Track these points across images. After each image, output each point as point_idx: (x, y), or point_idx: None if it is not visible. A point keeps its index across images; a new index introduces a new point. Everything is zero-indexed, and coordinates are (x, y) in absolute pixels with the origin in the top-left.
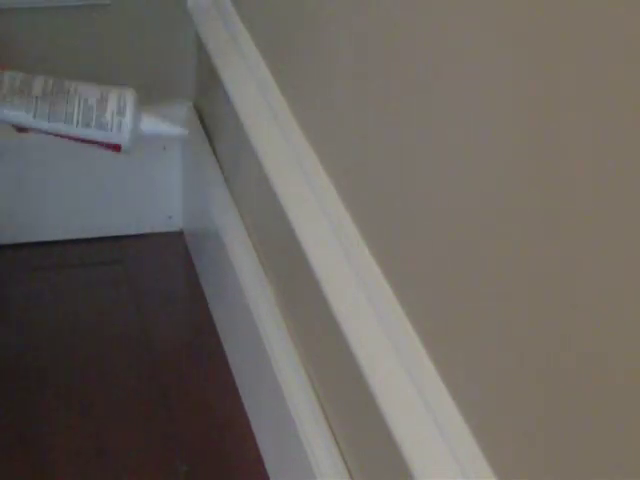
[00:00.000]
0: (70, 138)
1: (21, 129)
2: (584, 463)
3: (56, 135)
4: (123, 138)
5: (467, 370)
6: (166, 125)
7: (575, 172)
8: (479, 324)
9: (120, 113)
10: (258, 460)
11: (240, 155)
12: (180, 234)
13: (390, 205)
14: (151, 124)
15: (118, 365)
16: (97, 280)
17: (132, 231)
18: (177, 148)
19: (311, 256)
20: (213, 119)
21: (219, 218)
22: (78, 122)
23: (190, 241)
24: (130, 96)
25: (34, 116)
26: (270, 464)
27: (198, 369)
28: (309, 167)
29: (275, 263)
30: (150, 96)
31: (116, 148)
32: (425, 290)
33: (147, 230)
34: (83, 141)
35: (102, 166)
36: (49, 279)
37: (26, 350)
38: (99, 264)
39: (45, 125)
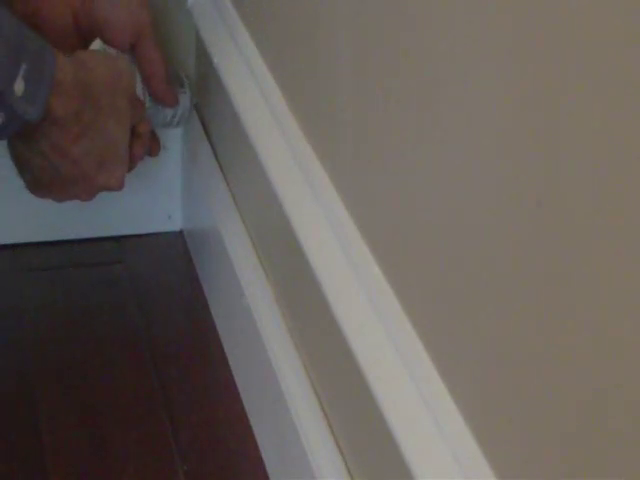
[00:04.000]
0: None
1: None
2: (585, 463)
3: None
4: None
5: (467, 370)
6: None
7: (578, 181)
8: (480, 324)
9: (180, 122)
10: (258, 460)
11: (240, 155)
12: (180, 234)
13: (391, 205)
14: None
15: (118, 365)
16: (97, 280)
17: (132, 231)
18: (177, 148)
19: (311, 256)
20: (213, 119)
21: (219, 218)
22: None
23: (190, 241)
24: (187, 106)
25: None
26: (270, 464)
27: (198, 369)
28: (309, 167)
29: (275, 263)
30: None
31: None
32: (426, 290)
33: (147, 230)
34: None
35: None
36: (49, 279)
37: (26, 350)
38: (99, 264)
39: None
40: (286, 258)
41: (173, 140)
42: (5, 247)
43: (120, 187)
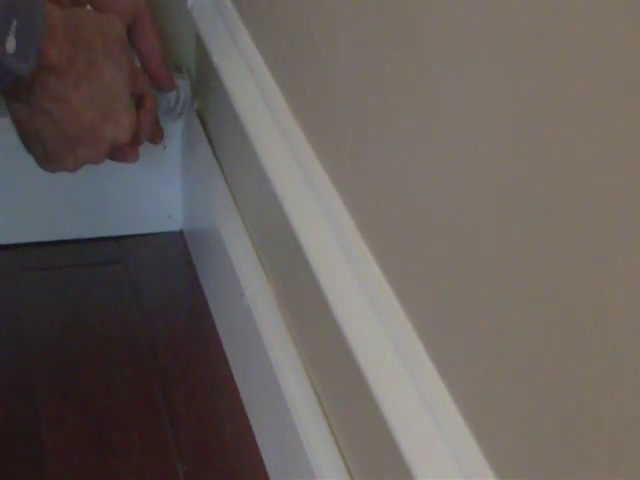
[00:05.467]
0: None
1: None
2: (585, 463)
3: None
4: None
5: (467, 370)
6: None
7: (581, 180)
8: (480, 324)
9: (182, 112)
10: (258, 460)
11: (240, 155)
12: (180, 234)
13: (391, 205)
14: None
15: (118, 365)
16: (97, 280)
17: (132, 231)
18: (177, 148)
19: (311, 256)
20: (213, 119)
21: (219, 218)
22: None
23: (190, 241)
24: (188, 94)
25: None
26: (270, 464)
27: (198, 369)
28: (309, 167)
29: (275, 263)
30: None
31: None
32: (426, 290)
33: (147, 230)
34: None
35: (101, 166)
36: (48, 279)
37: (25, 350)
38: (98, 264)
39: None
40: (286, 258)
41: (173, 140)
42: (5, 247)
43: (129, 136)
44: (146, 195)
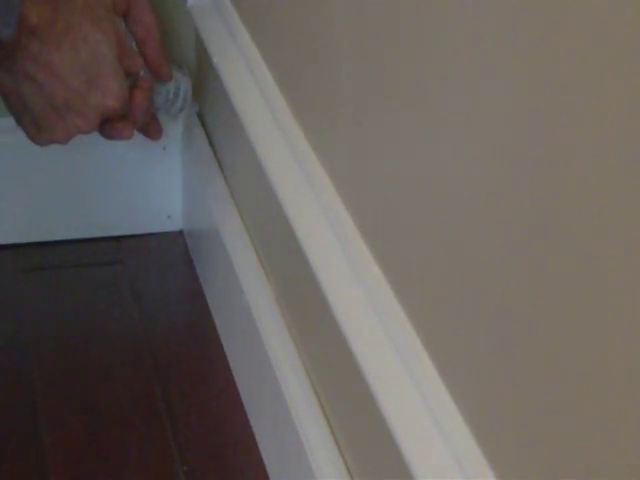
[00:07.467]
0: None
1: None
2: (585, 463)
3: None
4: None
5: (467, 370)
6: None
7: (583, 180)
8: (480, 324)
9: (182, 108)
10: (258, 460)
11: (240, 155)
12: (180, 234)
13: (390, 204)
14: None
15: (118, 365)
16: (97, 280)
17: (132, 231)
18: (177, 148)
19: (311, 256)
20: (213, 119)
21: (219, 218)
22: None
23: (190, 241)
24: (189, 90)
25: None
26: (270, 464)
27: (198, 369)
28: (309, 167)
29: (275, 263)
30: None
31: None
32: (426, 290)
33: (147, 230)
34: None
35: (101, 166)
36: (48, 279)
37: (25, 350)
38: (98, 264)
39: None
40: (286, 258)
41: (173, 140)
42: (5, 247)
43: (119, 104)
44: (146, 195)
